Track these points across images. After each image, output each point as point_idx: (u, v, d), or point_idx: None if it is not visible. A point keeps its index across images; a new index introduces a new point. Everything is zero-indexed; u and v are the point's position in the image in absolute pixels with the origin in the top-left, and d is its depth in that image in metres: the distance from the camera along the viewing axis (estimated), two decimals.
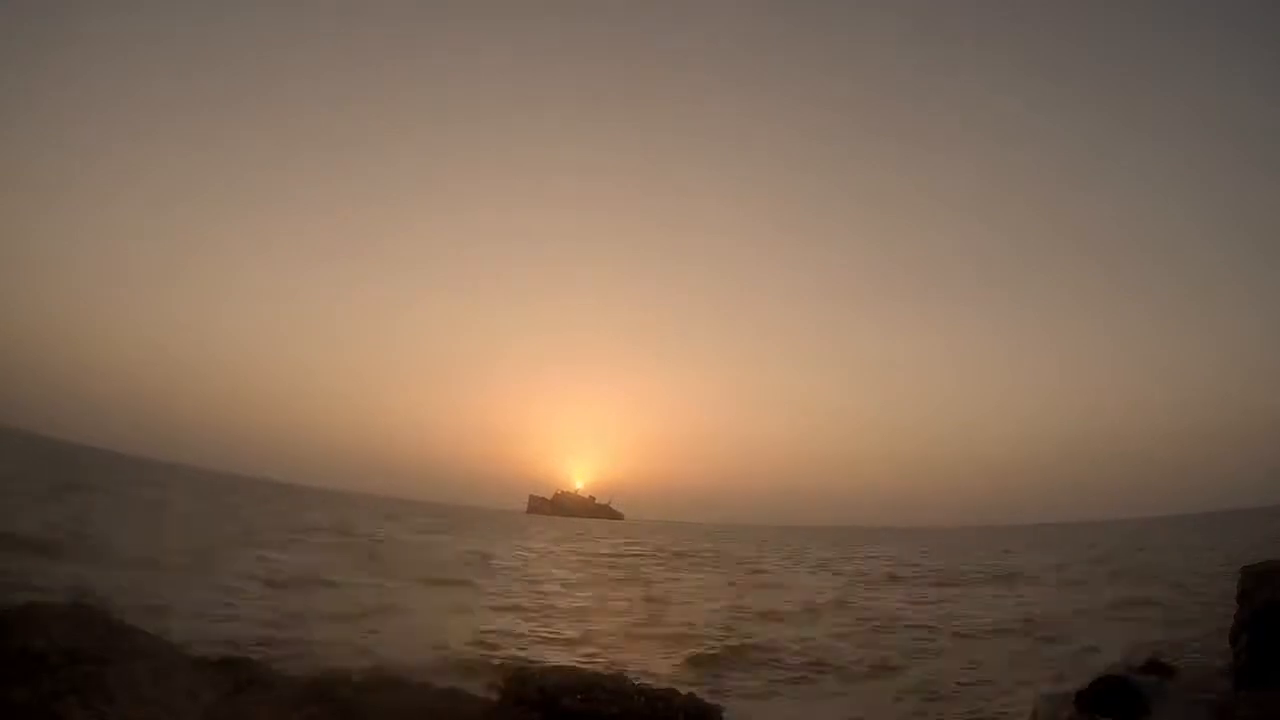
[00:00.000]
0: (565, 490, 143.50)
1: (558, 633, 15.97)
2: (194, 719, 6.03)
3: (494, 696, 7.26)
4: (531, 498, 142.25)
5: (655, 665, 13.12)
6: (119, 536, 21.67)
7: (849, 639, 16.43)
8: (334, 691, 6.71)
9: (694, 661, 13.85)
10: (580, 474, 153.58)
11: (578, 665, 11.15)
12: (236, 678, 6.71)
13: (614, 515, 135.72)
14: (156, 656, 6.53)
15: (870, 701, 11.98)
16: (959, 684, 12.71)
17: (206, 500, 50.58)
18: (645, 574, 29.51)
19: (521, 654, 13.26)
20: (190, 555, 20.16)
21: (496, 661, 12.27)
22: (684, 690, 7.51)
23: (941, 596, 24.31)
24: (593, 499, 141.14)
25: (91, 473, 53.39)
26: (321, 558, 25.29)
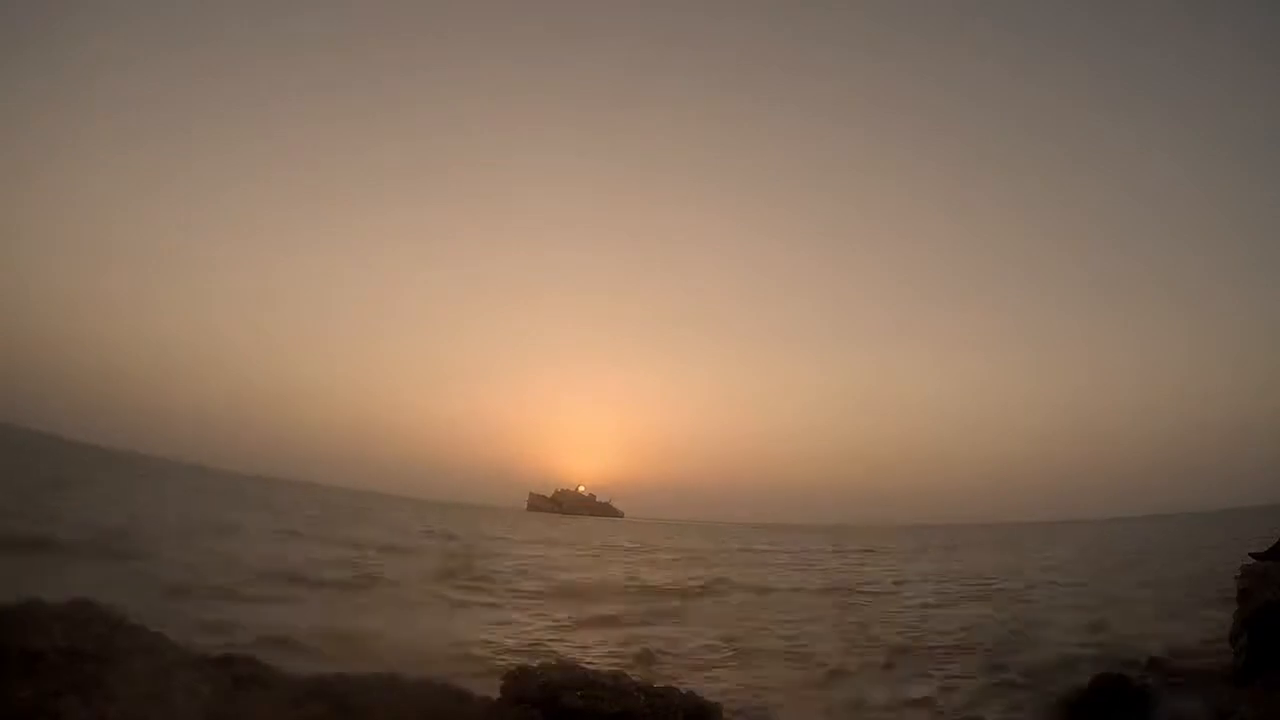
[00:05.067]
0: (565, 488, 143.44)
1: None
2: (194, 717, 6.04)
3: (494, 695, 7.27)
4: (532, 495, 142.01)
5: None
6: None
7: None
8: (333, 689, 6.72)
9: None
10: (580, 471, 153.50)
11: (578, 664, 11.14)
12: (236, 675, 6.71)
13: (614, 513, 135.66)
14: (157, 654, 6.53)
15: None
16: None
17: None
18: None
19: None
20: None
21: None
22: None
23: None
24: (593, 497, 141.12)
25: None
26: None
